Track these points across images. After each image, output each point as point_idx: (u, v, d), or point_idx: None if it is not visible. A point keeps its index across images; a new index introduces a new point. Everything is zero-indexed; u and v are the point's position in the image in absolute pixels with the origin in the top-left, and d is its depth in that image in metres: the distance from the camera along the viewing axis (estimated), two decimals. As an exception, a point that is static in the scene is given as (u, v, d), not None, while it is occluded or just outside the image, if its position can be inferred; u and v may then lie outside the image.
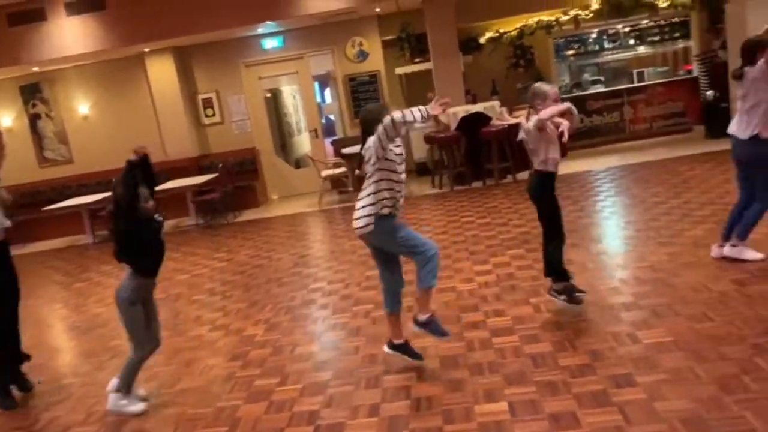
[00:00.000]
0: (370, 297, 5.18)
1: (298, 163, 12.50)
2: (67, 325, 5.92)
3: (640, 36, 11.13)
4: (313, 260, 6.70)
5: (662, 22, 10.92)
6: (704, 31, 10.57)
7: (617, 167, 8.93)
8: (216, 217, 9.90)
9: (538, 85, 4.06)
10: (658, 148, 9.77)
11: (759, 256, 4.53)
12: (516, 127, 9.06)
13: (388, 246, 3.65)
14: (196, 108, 10.93)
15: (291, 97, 13.65)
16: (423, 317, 3.67)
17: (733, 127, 4.54)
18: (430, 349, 3.93)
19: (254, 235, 8.49)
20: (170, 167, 10.35)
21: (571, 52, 11.33)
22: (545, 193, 4.11)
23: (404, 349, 3.78)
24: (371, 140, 3.42)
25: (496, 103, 9.72)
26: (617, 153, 9.92)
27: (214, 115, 10.97)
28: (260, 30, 10.14)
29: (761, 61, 4.22)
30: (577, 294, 4.22)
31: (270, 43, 10.70)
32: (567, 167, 9.31)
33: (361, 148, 3.55)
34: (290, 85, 12.91)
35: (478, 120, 9.25)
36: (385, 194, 3.52)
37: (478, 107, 9.53)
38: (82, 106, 10.94)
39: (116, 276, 6.94)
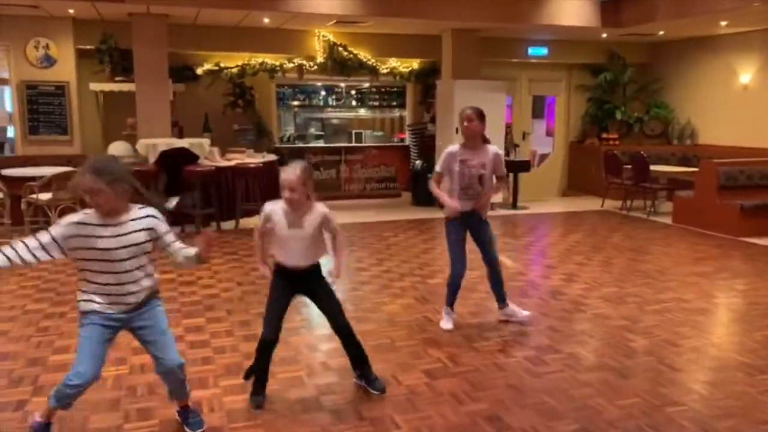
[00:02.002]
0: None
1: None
2: None
3: (362, 98, 11.26)
4: None
5: (382, 89, 11.18)
6: (417, 103, 11.07)
7: (328, 226, 8.54)
8: None
9: None
10: (368, 210, 9.71)
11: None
12: (226, 171, 8.24)
13: None
14: None
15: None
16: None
17: None
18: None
19: None
20: None
21: (296, 102, 10.95)
22: None
23: None
24: None
25: (206, 141, 8.69)
26: (331, 210, 9.60)
27: None
28: None
29: None
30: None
31: None
32: (277, 220, 8.66)
33: None
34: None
35: (182, 157, 8.10)
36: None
37: (183, 142, 8.39)
38: None
39: None
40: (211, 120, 9.68)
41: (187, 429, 3.08)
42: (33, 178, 7.43)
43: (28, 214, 7.62)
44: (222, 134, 9.60)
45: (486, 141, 4.40)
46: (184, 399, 3.11)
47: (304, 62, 10.03)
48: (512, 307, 4.70)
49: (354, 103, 11.28)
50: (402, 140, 11.27)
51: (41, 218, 7.62)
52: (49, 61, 8.75)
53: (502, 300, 4.68)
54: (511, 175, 9.98)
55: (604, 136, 11.34)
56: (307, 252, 3.31)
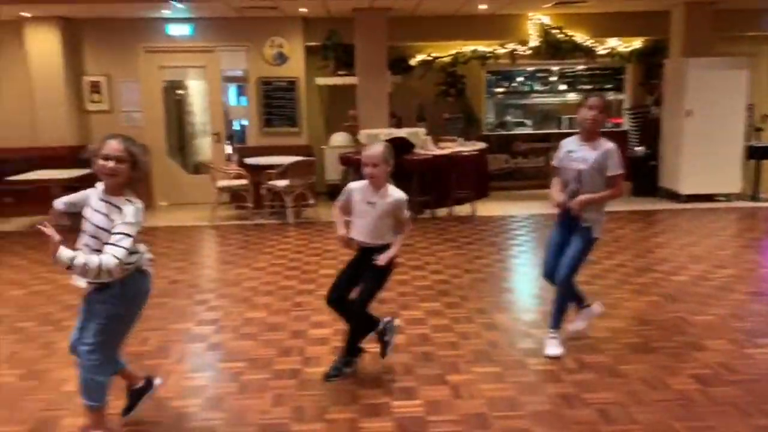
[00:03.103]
0: (246, 349, 4.06)
1: (198, 169, 11.12)
2: None
3: (574, 82, 10.74)
4: (184, 289, 5.46)
5: (597, 71, 10.58)
6: (638, 85, 10.30)
7: (539, 215, 8.29)
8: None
9: None
10: (583, 200, 9.25)
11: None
12: (441, 159, 8.35)
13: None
14: (80, 91, 9.40)
15: (200, 94, 12.28)
16: None
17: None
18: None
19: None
20: (40, 155, 8.82)
21: (501, 89, 10.77)
22: None
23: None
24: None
25: (421, 130, 8.88)
26: (539, 199, 9.30)
27: (101, 101, 9.49)
28: (166, 13, 8.84)
29: None
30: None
31: (177, 30, 9.39)
32: (488, 209, 8.60)
33: None
34: (200, 80, 11.56)
35: (401, 146, 8.35)
36: None
37: (401, 132, 8.66)
38: (-63, 69, 9.15)
39: None
40: (424, 109, 9.88)
41: None
42: (271, 167, 8.16)
43: (267, 199, 8.41)
44: (434, 123, 9.75)
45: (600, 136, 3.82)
46: (87, 403, 2.88)
47: (517, 47, 9.81)
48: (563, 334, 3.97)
49: (564, 87, 10.81)
50: (617, 125, 10.56)
51: (278, 203, 8.36)
52: (282, 58, 9.52)
53: (554, 325, 3.90)
54: (752, 162, 8.91)
55: None
56: (373, 230, 3.42)
